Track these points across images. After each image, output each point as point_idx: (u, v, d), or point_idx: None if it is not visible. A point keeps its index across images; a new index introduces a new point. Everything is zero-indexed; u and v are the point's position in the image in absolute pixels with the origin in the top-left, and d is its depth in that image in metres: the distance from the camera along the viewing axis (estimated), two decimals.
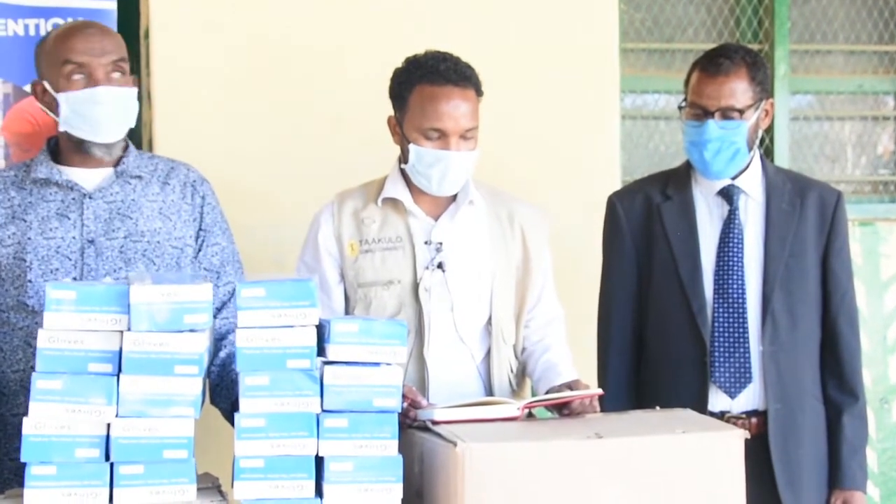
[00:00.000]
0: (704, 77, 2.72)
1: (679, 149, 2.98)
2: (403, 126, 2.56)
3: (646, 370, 2.82)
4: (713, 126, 2.69)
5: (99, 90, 2.41)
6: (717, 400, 2.70)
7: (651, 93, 4.08)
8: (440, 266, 2.55)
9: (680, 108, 2.80)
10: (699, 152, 2.72)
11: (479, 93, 2.56)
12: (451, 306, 2.55)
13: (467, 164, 2.54)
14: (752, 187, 2.79)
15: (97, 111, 2.41)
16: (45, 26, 3.09)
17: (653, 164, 3.90)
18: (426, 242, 2.57)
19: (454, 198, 2.61)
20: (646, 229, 2.81)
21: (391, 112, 2.61)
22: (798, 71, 4.09)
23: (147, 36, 3.37)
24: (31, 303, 2.41)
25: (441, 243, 2.57)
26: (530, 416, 2.32)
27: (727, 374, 2.68)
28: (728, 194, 2.77)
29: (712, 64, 2.72)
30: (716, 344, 2.70)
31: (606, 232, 2.90)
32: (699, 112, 2.71)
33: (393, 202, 2.59)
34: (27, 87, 3.06)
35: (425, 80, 2.52)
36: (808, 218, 2.77)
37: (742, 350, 2.69)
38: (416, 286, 2.55)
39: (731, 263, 2.73)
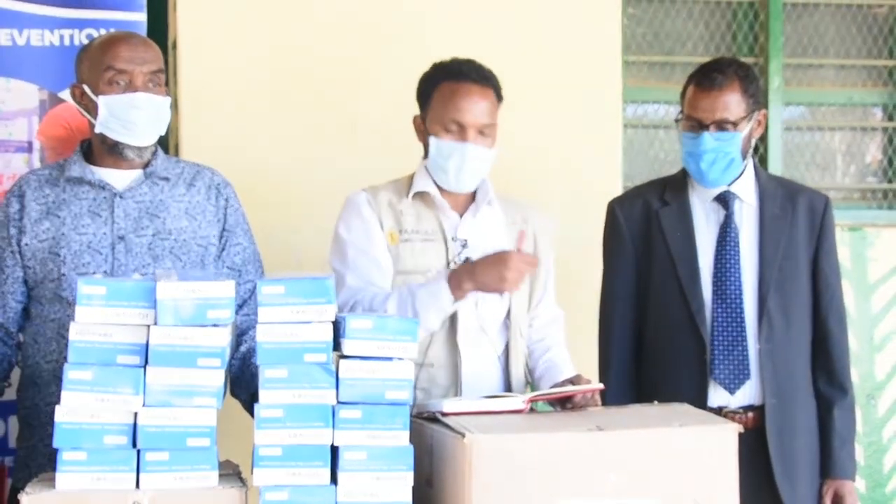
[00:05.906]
0: (699, 91, 2.70)
1: (677, 156, 2.96)
2: (427, 123, 2.58)
3: (646, 367, 2.80)
4: (708, 138, 2.68)
5: (138, 95, 2.42)
6: (717, 395, 2.68)
7: (651, 103, 4.06)
8: (466, 261, 2.54)
9: (677, 120, 2.79)
10: (696, 163, 2.71)
11: (498, 96, 2.58)
12: (475, 300, 2.54)
13: (483, 160, 2.54)
14: (747, 193, 2.78)
15: (134, 115, 2.42)
16: (80, 37, 3.09)
17: (653, 170, 3.89)
18: (452, 239, 2.57)
19: (474, 198, 2.62)
20: (645, 233, 2.79)
21: (408, 118, 2.63)
22: (791, 83, 4.08)
23: (175, 47, 3.38)
24: (66, 295, 2.41)
25: (466, 240, 2.57)
26: (533, 410, 2.31)
27: (726, 371, 2.67)
28: (724, 200, 2.76)
29: (706, 78, 2.70)
30: (715, 342, 2.68)
31: (607, 236, 2.88)
32: (695, 124, 2.70)
33: (422, 198, 2.58)
34: (62, 94, 3.07)
35: (449, 78, 2.56)
36: (799, 222, 2.77)
37: (741, 348, 2.68)
38: None
39: (728, 265, 2.72)
